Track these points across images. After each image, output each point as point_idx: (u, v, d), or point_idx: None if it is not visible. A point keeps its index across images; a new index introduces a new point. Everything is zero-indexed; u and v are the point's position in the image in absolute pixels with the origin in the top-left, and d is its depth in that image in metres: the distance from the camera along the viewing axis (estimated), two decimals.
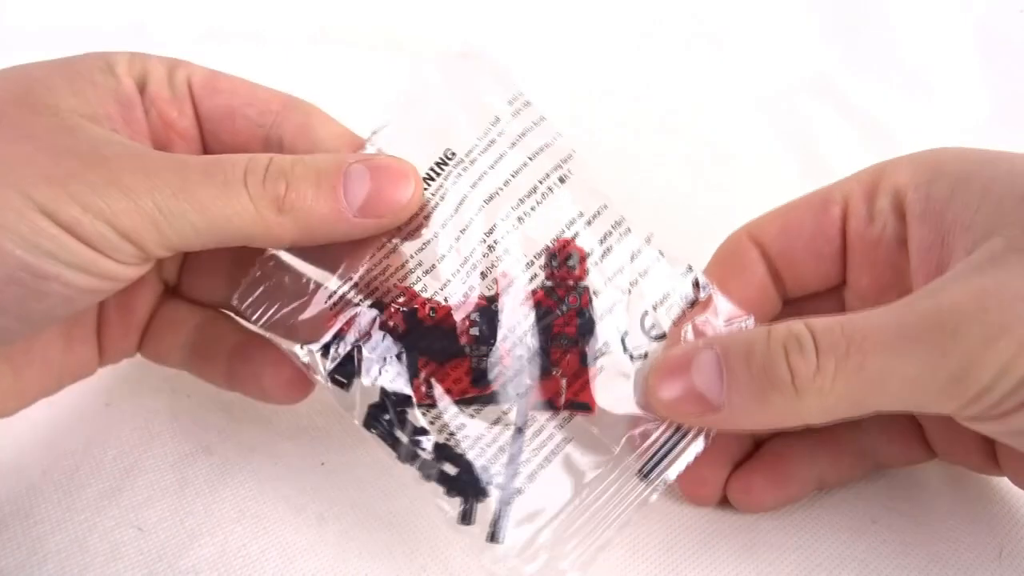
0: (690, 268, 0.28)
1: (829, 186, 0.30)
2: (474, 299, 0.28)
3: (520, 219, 0.28)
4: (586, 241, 0.28)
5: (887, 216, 0.29)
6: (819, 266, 0.30)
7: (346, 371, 0.28)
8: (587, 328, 0.28)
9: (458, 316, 0.28)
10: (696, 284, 0.28)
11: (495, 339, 0.28)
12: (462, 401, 0.28)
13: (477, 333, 0.28)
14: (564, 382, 0.28)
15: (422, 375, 0.28)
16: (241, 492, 0.31)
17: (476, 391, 0.28)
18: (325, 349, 0.28)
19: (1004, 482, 0.32)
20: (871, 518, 0.31)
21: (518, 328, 0.28)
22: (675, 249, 0.29)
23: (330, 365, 0.28)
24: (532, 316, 0.28)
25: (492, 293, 0.28)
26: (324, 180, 0.26)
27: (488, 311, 0.28)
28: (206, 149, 0.30)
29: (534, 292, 0.28)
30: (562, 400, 0.28)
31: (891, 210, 0.29)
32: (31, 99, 0.25)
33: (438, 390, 0.28)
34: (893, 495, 0.32)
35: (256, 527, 0.30)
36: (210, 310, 0.32)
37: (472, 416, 0.28)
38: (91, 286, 0.25)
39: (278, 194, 0.25)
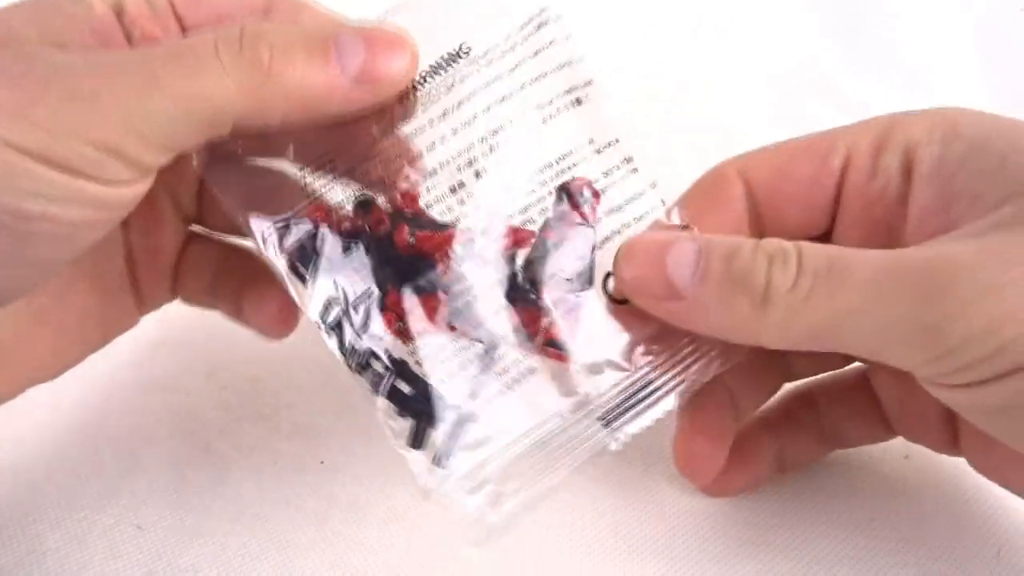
0: (662, 202, 0.28)
1: (834, 131, 0.28)
2: (465, 228, 0.26)
3: (528, 131, 0.26)
4: (590, 171, 0.27)
5: (892, 174, 0.27)
6: (806, 215, 0.29)
7: (304, 257, 0.26)
8: (586, 273, 0.27)
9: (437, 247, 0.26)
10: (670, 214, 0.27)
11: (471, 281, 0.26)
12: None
13: (458, 270, 0.26)
14: (546, 319, 0.26)
15: (387, 300, 0.26)
16: (241, 490, 0.32)
17: (448, 329, 0.26)
18: (285, 226, 0.26)
19: None
20: (869, 516, 0.31)
21: (500, 265, 0.26)
22: None
23: (290, 243, 0.26)
24: (523, 251, 0.27)
25: (483, 225, 0.26)
26: (314, 45, 0.23)
27: (471, 246, 0.26)
28: None
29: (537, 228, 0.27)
30: (539, 331, 0.26)
31: (898, 168, 0.27)
32: None
33: (408, 320, 0.26)
34: (891, 493, 0.32)
35: (256, 525, 0.30)
36: (232, 245, 0.31)
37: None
38: (85, 217, 0.23)
39: (260, 60, 0.23)
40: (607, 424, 0.26)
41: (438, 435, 0.26)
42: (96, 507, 0.31)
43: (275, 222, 0.26)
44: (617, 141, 0.27)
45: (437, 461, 0.25)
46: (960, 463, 0.33)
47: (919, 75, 0.57)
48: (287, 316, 0.29)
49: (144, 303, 0.31)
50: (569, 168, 0.27)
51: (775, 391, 0.32)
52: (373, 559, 0.30)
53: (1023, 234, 0.22)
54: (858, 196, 0.28)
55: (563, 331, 0.26)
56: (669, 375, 0.27)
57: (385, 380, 0.26)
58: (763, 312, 0.23)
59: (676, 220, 0.27)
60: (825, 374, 0.32)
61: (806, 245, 0.24)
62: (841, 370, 0.32)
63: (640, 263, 0.25)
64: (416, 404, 0.26)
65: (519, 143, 0.26)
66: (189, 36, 0.25)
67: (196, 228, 0.31)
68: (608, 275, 0.27)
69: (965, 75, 0.57)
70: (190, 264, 0.31)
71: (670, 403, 0.26)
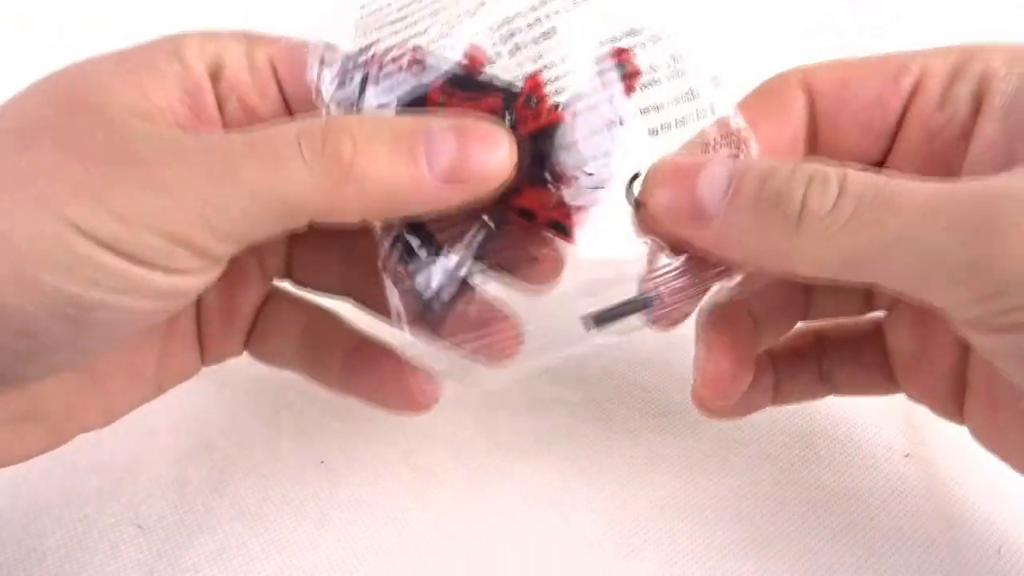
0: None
1: (908, 54, 0.26)
2: (496, 95, 0.25)
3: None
4: (643, 57, 0.25)
5: (962, 104, 0.25)
6: (864, 138, 0.27)
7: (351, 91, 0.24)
8: (604, 168, 0.25)
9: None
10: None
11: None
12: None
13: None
14: (555, 198, 0.24)
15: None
16: (241, 490, 0.32)
17: None
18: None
19: (1003, 478, 0.32)
20: (869, 515, 0.31)
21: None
22: None
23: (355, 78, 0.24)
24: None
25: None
26: (401, 140, 0.22)
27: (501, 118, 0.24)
28: None
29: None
30: (545, 213, 0.25)
31: (968, 98, 0.25)
32: (76, 99, 0.22)
33: None
34: (892, 492, 0.32)
35: (256, 525, 0.31)
36: (318, 308, 0.30)
37: None
38: (147, 307, 0.22)
39: (342, 157, 0.21)
40: (597, 323, 0.25)
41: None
42: (96, 506, 0.31)
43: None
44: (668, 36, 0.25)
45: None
46: (960, 463, 0.33)
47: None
48: (426, 393, 0.28)
49: (208, 357, 0.30)
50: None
51: (792, 327, 0.31)
52: (373, 559, 0.30)
53: None
54: (922, 124, 0.26)
55: (572, 219, 0.25)
56: (674, 293, 0.26)
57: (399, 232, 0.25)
58: (796, 234, 0.22)
59: (738, 124, 0.26)
60: (840, 320, 0.31)
61: (851, 171, 0.22)
62: (856, 318, 0.31)
63: (669, 184, 0.24)
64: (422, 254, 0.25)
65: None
66: (273, 122, 0.23)
67: (285, 285, 0.31)
68: (635, 176, 0.25)
69: None
70: (269, 324, 0.30)
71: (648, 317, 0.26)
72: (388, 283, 0.25)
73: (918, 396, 0.30)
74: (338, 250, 0.29)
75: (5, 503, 0.31)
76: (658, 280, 0.26)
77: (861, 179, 0.22)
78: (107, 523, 0.30)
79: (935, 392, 0.29)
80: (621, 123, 0.25)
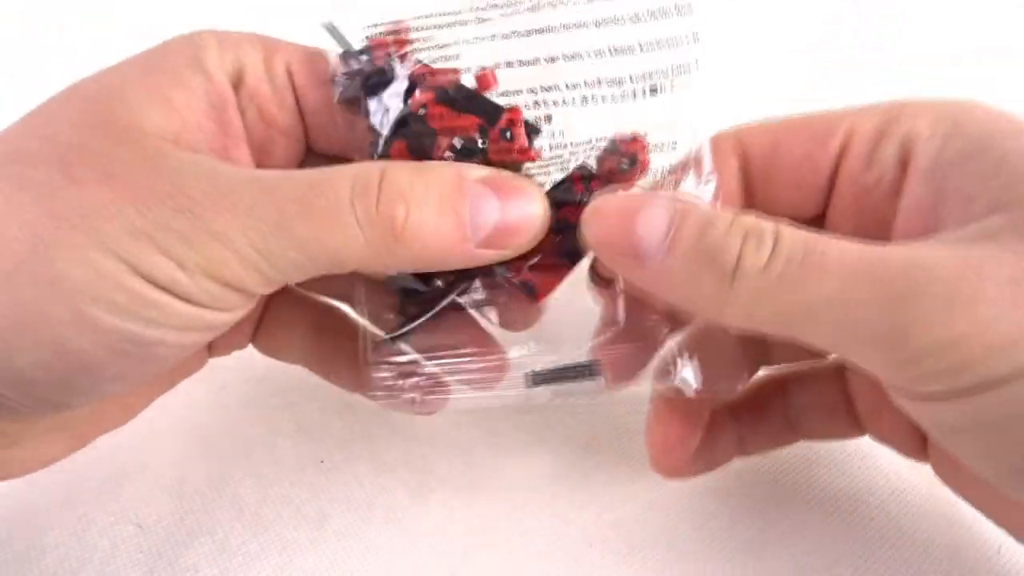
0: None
1: (837, 113, 0.27)
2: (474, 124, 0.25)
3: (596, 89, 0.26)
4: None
5: (888, 165, 0.26)
6: (796, 195, 0.27)
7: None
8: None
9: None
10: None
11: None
12: None
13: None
14: (532, 261, 0.26)
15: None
16: (240, 490, 0.32)
17: None
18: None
19: None
20: (869, 515, 0.31)
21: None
22: None
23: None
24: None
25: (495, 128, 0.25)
26: (447, 203, 0.23)
27: (471, 148, 0.25)
28: (311, 145, 0.28)
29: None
30: (521, 273, 0.26)
31: (895, 159, 0.26)
32: (112, 122, 0.23)
33: None
34: (891, 491, 0.32)
35: (255, 525, 0.31)
36: (325, 305, 0.31)
37: None
38: (196, 340, 0.23)
39: (395, 222, 0.22)
40: (533, 383, 0.27)
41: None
42: (96, 505, 0.31)
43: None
44: (675, 144, 0.27)
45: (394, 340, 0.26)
46: None
47: (919, 72, 0.57)
48: (436, 393, 0.28)
49: (215, 351, 0.31)
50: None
51: (752, 375, 0.31)
52: (373, 559, 0.30)
53: (1007, 248, 0.21)
54: (852, 183, 0.26)
55: (546, 284, 0.26)
56: (616, 363, 0.27)
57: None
58: (729, 289, 0.22)
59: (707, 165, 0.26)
60: (801, 364, 0.31)
61: (786, 228, 0.22)
62: (817, 361, 0.31)
63: (609, 222, 0.24)
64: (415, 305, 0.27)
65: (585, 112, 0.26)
66: (319, 167, 0.23)
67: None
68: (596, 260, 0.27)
69: (966, 71, 0.57)
70: (275, 320, 0.31)
71: (600, 385, 0.27)
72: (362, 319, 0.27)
73: (882, 438, 0.30)
74: None
75: (5, 502, 0.31)
76: (602, 348, 0.27)
77: (791, 238, 0.22)
78: (107, 522, 0.30)
79: (897, 434, 0.29)
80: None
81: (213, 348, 0.30)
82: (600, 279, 0.27)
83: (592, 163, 0.26)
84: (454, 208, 0.23)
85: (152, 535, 0.30)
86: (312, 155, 0.28)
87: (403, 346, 0.27)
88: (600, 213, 0.24)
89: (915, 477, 0.33)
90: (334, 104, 0.26)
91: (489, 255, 0.24)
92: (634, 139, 0.26)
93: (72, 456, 0.32)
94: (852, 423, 0.30)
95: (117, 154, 0.22)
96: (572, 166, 0.26)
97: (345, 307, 0.31)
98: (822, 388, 0.30)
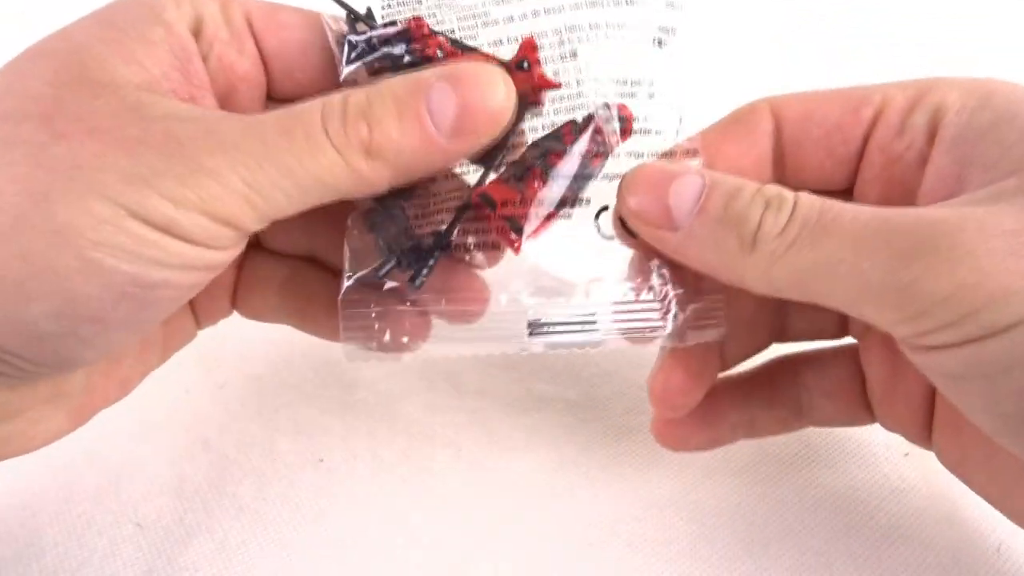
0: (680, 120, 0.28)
1: (872, 86, 0.28)
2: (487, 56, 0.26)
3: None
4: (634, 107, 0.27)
5: (918, 133, 0.26)
6: (827, 164, 0.28)
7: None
8: (577, 190, 0.27)
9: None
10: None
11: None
12: None
13: None
14: (519, 197, 0.26)
15: None
16: (240, 489, 0.32)
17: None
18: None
19: None
20: (869, 514, 0.31)
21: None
22: None
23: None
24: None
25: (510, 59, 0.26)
26: (405, 109, 0.23)
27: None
28: (272, 91, 0.28)
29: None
30: (506, 209, 0.26)
31: (924, 128, 0.26)
32: (85, 76, 0.23)
33: None
34: (891, 490, 0.32)
35: (255, 524, 0.31)
36: (295, 260, 0.31)
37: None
38: (196, 280, 0.24)
39: (363, 138, 0.23)
40: (531, 333, 0.27)
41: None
42: (95, 504, 0.31)
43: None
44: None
45: (413, 280, 0.26)
46: None
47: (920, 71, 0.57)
48: (415, 330, 0.28)
49: (203, 320, 0.31)
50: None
51: (764, 347, 0.31)
52: (371, 558, 0.30)
53: (1013, 204, 0.22)
54: (882, 151, 0.27)
55: (531, 224, 0.26)
56: (618, 324, 0.27)
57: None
58: (749, 255, 0.24)
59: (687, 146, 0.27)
60: (813, 348, 0.32)
61: (804, 195, 0.24)
62: (830, 345, 0.32)
63: (645, 190, 0.25)
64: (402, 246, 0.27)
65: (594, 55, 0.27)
66: (293, 105, 0.24)
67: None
68: (602, 210, 0.27)
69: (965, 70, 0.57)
70: (250, 282, 0.31)
71: (597, 337, 0.27)
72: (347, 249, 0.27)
73: (892, 425, 0.30)
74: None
75: (4, 501, 0.31)
76: (611, 315, 0.27)
77: (808, 202, 0.23)
78: (106, 521, 0.30)
79: (907, 420, 0.29)
80: (608, 156, 0.27)
81: (201, 318, 0.31)
82: (627, 232, 0.27)
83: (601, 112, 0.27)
84: (411, 108, 0.23)
85: (151, 534, 0.30)
86: (272, 102, 0.28)
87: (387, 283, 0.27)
88: (634, 182, 0.26)
89: (915, 477, 0.33)
90: (342, 69, 0.27)
91: (464, 146, 0.24)
92: (623, 107, 0.27)
93: (71, 456, 0.32)
94: (863, 408, 0.30)
95: (97, 107, 0.23)
96: (586, 112, 0.27)
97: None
98: (835, 372, 0.31)
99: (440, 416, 0.34)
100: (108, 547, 0.30)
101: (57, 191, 0.21)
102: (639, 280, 0.28)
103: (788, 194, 0.24)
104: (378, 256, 0.27)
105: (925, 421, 0.29)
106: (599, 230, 0.27)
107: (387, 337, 0.27)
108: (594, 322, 0.27)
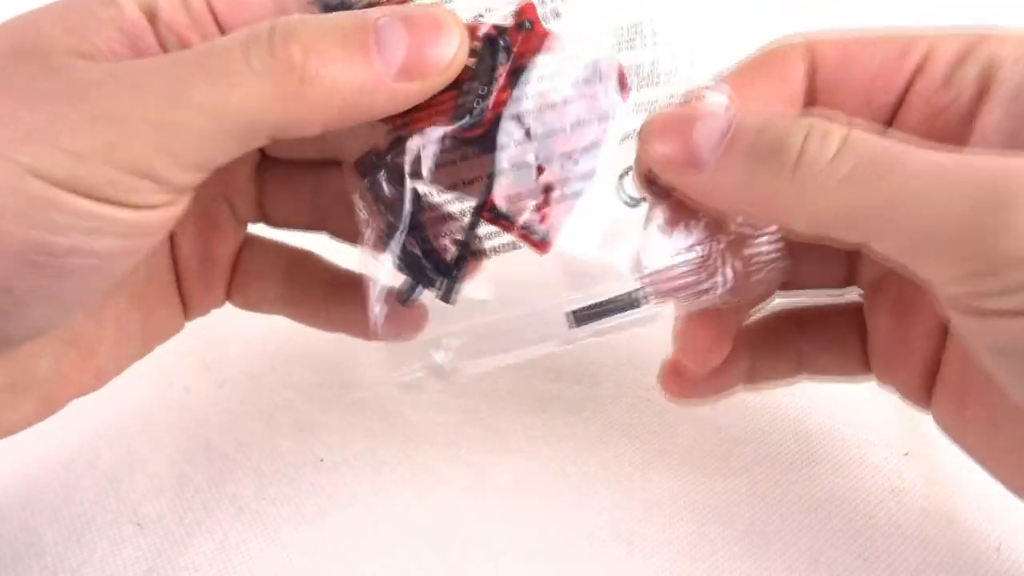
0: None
1: (917, 31, 0.26)
2: (488, 25, 0.24)
3: None
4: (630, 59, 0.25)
5: (967, 86, 0.24)
6: (863, 112, 0.26)
7: None
8: (586, 170, 0.25)
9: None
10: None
11: (491, 84, 0.24)
12: (445, 146, 0.24)
13: (473, 65, 0.24)
14: (532, 203, 0.25)
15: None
16: (240, 488, 0.32)
17: (455, 129, 0.24)
18: None
19: None
20: (868, 513, 0.31)
21: (533, 91, 0.24)
22: None
23: None
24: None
25: (509, 24, 0.24)
26: (352, 38, 0.21)
27: (495, 44, 0.24)
28: None
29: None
30: (519, 220, 0.24)
31: (974, 81, 0.24)
32: (17, 47, 0.22)
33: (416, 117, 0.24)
34: (891, 490, 0.32)
35: (255, 524, 0.31)
36: (297, 250, 0.31)
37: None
38: (118, 247, 0.21)
39: (293, 61, 0.20)
40: (575, 324, 0.26)
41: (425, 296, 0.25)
42: (95, 503, 0.31)
43: None
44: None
45: (447, 297, 0.25)
46: (961, 460, 0.33)
47: None
48: (409, 319, 0.28)
49: (192, 311, 0.30)
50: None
51: (770, 296, 0.30)
52: (372, 557, 0.30)
53: None
54: (925, 102, 0.25)
55: (551, 218, 0.25)
56: (667, 291, 0.26)
57: (399, 234, 0.25)
58: (790, 182, 0.21)
59: (716, 94, 0.25)
60: (818, 301, 0.31)
61: (857, 128, 0.21)
62: (835, 297, 0.31)
63: (667, 133, 0.23)
64: (418, 265, 0.25)
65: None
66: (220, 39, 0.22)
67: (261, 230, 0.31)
68: (624, 172, 0.25)
69: None
70: (249, 271, 0.30)
71: (638, 313, 0.26)
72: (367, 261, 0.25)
73: (888, 382, 0.29)
74: (308, 183, 0.29)
75: (4, 500, 0.31)
76: (651, 279, 0.25)
77: (863, 135, 0.21)
78: (106, 521, 0.30)
79: (907, 379, 0.28)
80: (613, 117, 0.25)
81: (189, 309, 0.30)
82: (657, 189, 0.25)
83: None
84: (358, 40, 0.21)
85: (152, 533, 0.30)
86: None
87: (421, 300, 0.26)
88: (655, 128, 0.24)
89: (915, 477, 0.33)
90: None
91: (413, 88, 0.22)
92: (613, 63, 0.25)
93: (71, 455, 0.32)
94: (861, 364, 0.30)
95: (19, 70, 0.21)
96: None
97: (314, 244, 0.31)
98: (837, 325, 0.30)
99: (440, 416, 0.34)
100: (108, 547, 0.30)
101: None
102: (680, 240, 0.25)
103: (833, 124, 0.21)
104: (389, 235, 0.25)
105: (925, 383, 0.28)
106: (624, 195, 0.25)
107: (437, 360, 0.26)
108: (639, 297, 0.25)
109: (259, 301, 0.31)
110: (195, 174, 0.21)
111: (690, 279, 0.26)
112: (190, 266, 0.29)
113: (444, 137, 0.24)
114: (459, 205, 0.25)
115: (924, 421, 0.34)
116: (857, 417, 0.34)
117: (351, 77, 0.21)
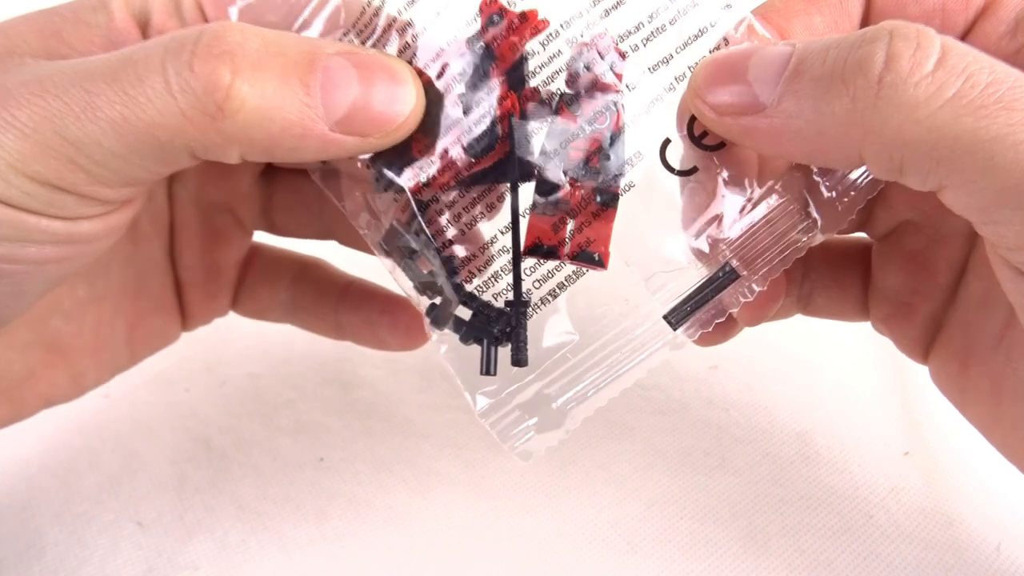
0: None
1: None
2: (460, 42, 0.22)
3: None
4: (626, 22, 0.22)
5: None
6: None
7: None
8: (615, 167, 0.22)
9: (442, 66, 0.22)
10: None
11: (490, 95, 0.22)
12: (460, 182, 0.22)
13: (463, 90, 0.22)
14: (571, 224, 0.22)
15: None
16: (240, 488, 0.32)
17: (471, 162, 0.22)
18: None
19: (1004, 474, 0.32)
20: (869, 513, 0.31)
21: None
22: None
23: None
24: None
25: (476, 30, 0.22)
26: (293, 69, 0.19)
27: (484, 60, 0.22)
28: None
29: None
30: (566, 249, 0.22)
31: None
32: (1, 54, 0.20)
33: (433, 166, 0.22)
34: (891, 489, 0.32)
35: (255, 522, 0.31)
36: (305, 258, 0.31)
37: (468, 215, 0.23)
38: (53, 254, 0.20)
39: (216, 82, 0.18)
40: (676, 324, 0.23)
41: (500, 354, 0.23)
42: (96, 503, 0.31)
43: None
44: None
45: (518, 361, 0.24)
46: (960, 460, 0.33)
47: None
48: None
49: (192, 320, 0.30)
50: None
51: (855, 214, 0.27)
52: (372, 557, 0.30)
53: None
54: (987, 49, 0.21)
55: (601, 242, 0.23)
56: (760, 253, 0.23)
57: (449, 307, 0.23)
58: (876, 100, 0.17)
59: (761, 32, 0.22)
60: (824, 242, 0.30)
61: (956, 43, 0.18)
62: (845, 236, 0.30)
63: (718, 78, 0.20)
64: (482, 333, 0.23)
65: None
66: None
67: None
68: (665, 144, 0.22)
69: None
70: (256, 280, 0.30)
71: (746, 281, 0.23)
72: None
73: (886, 331, 0.29)
74: (315, 191, 0.27)
75: (5, 500, 0.31)
76: (734, 247, 0.23)
77: (967, 51, 0.18)
78: (107, 520, 0.30)
79: (908, 332, 0.28)
80: (629, 88, 0.22)
81: (189, 319, 0.29)
82: (708, 147, 0.22)
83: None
84: (300, 77, 0.19)
85: (152, 533, 0.30)
86: None
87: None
88: (701, 73, 0.21)
89: (915, 477, 0.33)
90: None
91: (349, 142, 0.20)
92: (596, 40, 0.22)
93: (71, 455, 0.32)
94: (859, 308, 0.29)
95: None
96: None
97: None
98: (843, 266, 0.29)
99: (440, 415, 0.34)
100: (109, 546, 0.30)
101: None
102: (745, 197, 0.23)
103: (929, 29, 0.18)
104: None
105: (926, 337, 0.27)
106: (669, 166, 0.22)
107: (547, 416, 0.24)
108: (729, 270, 0.23)
109: (266, 310, 0.31)
110: (121, 188, 0.20)
111: (776, 232, 0.23)
112: (192, 275, 0.29)
113: (461, 182, 0.22)
114: (501, 261, 0.23)
115: (924, 421, 0.34)
116: (857, 417, 0.34)
117: (281, 115, 0.19)
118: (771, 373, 0.36)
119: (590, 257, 0.23)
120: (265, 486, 0.32)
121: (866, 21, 0.23)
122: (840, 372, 0.36)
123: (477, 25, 0.22)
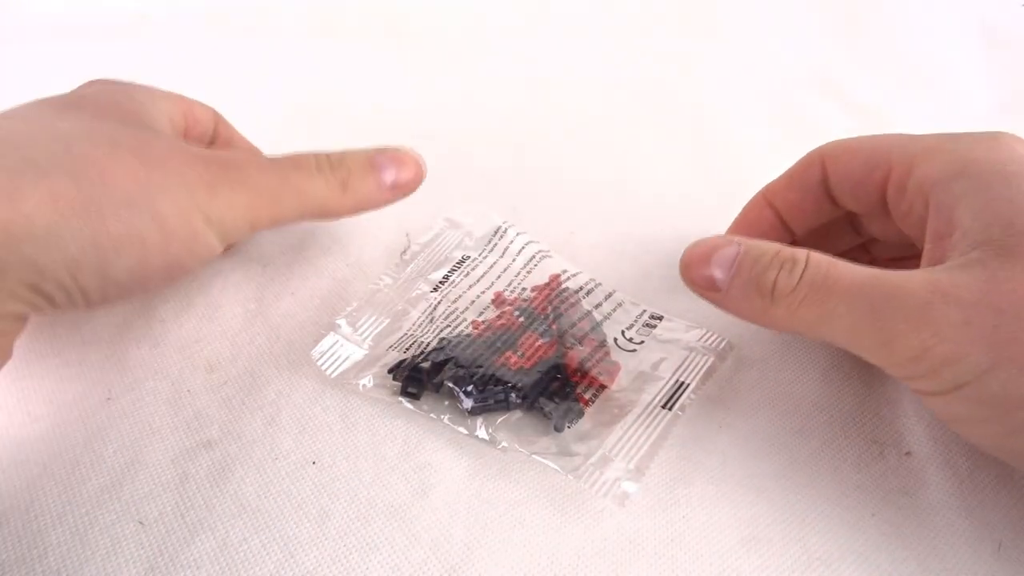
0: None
1: (891, 141, 0.33)
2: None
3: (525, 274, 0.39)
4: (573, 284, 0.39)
5: (915, 198, 0.31)
6: (860, 205, 0.34)
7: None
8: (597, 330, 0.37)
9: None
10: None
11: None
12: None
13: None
14: (583, 358, 0.35)
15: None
16: (242, 487, 0.32)
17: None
18: None
19: (1003, 474, 0.32)
20: (870, 512, 0.31)
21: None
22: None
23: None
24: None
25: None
26: (371, 169, 0.35)
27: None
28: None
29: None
30: (587, 376, 0.34)
31: (918, 194, 0.31)
32: (127, 118, 0.32)
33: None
34: (891, 489, 0.32)
35: (257, 521, 0.31)
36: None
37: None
38: (187, 270, 0.32)
39: (343, 178, 0.34)
40: (668, 408, 0.33)
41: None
42: (97, 502, 0.31)
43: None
44: (578, 272, 0.40)
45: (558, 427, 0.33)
46: (960, 460, 0.33)
47: (921, 71, 0.57)
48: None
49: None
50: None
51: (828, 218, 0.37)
52: (373, 556, 0.30)
53: (977, 277, 0.26)
54: (893, 207, 0.32)
55: (602, 373, 0.35)
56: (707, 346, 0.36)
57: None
58: (771, 307, 0.29)
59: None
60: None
61: (816, 256, 0.29)
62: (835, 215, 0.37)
63: (694, 264, 0.32)
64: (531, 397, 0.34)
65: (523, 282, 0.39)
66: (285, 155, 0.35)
67: None
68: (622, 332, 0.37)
69: (966, 70, 0.57)
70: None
71: (710, 360, 0.35)
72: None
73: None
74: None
75: (6, 500, 0.31)
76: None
77: (815, 263, 0.29)
78: (108, 520, 0.30)
79: None
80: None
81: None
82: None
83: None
84: (373, 172, 0.35)
85: (153, 532, 0.30)
86: None
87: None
88: (687, 257, 0.32)
89: (915, 476, 0.33)
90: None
91: (398, 195, 0.36)
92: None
93: (73, 455, 0.32)
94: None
95: (160, 141, 0.31)
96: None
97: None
98: (843, 241, 0.38)
99: (440, 415, 0.34)
100: (110, 545, 0.30)
101: (166, 206, 0.30)
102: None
103: (800, 254, 0.29)
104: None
105: None
106: (629, 338, 0.37)
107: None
108: (719, 338, 0.36)
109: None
110: (272, 227, 0.34)
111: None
112: None
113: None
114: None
115: (926, 421, 0.34)
116: (857, 417, 0.34)
117: (370, 188, 0.35)
118: (773, 368, 0.36)
119: (597, 387, 0.35)
120: (267, 485, 0.32)
121: (826, 182, 0.35)
122: (840, 372, 0.36)
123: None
